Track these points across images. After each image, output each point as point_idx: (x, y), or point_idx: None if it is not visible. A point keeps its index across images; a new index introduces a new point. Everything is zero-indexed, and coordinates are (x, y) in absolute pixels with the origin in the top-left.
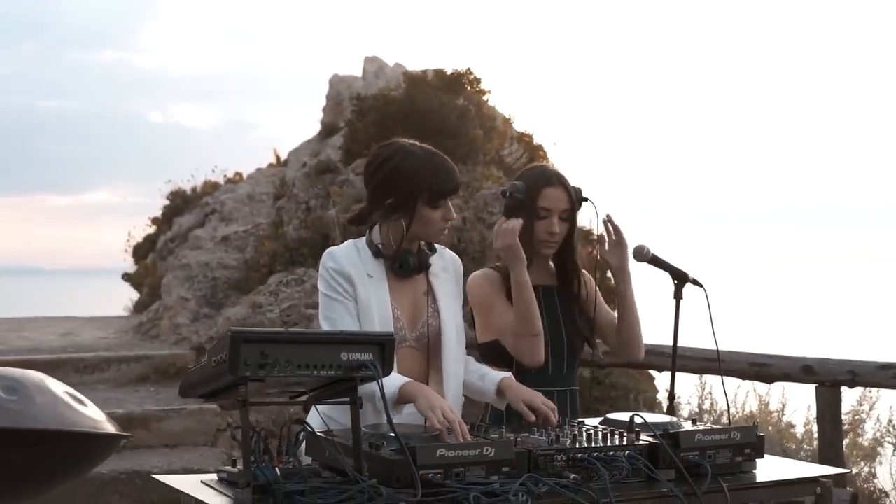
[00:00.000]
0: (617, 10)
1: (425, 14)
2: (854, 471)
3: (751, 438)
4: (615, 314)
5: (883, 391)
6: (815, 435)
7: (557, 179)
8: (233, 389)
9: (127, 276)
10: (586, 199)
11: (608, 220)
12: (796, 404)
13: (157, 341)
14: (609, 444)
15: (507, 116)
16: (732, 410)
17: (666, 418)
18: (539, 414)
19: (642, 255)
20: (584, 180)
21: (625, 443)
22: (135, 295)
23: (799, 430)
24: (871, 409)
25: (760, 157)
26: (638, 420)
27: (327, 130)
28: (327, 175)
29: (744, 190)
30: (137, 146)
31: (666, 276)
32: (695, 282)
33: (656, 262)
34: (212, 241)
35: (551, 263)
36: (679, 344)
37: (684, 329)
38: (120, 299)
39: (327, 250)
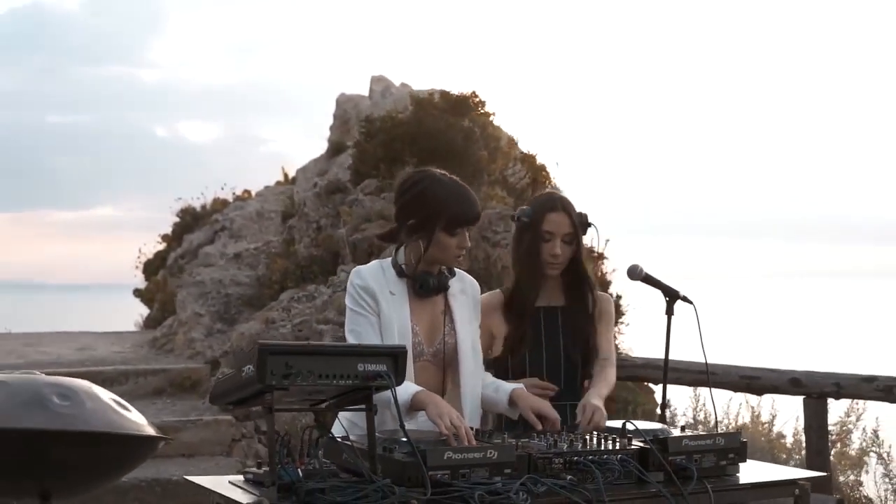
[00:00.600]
0: (619, 34)
1: (432, 34)
2: (841, 479)
3: (734, 444)
4: (609, 347)
5: (869, 403)
6: (804, 444)
7: (561, 205)
8: (259, 397)
9: (138, 292)
10: (590, 225)
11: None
12: (786, 415)
13: (172, 355)
14: (603, 448)
15: (511, 137)
16: (726, 421)
17: (657, 425)
18: (547, 421)
19: (635, 273)
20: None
21: (618, 447)
22: (144, 310)
23: (789, 441)
24: (857, 419)
25: (751, 173)
26: (630, 427)
27: (335, 149)
28: (337, 195)
29: (736, 205)
30: (143, 161)
31: (658, 293)
32: (685, 299)
33: (649, 280)
34: (222, 258)
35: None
36: (673, 358)
37: (679, 344)
38: (130, 314)
39: (355, 269)
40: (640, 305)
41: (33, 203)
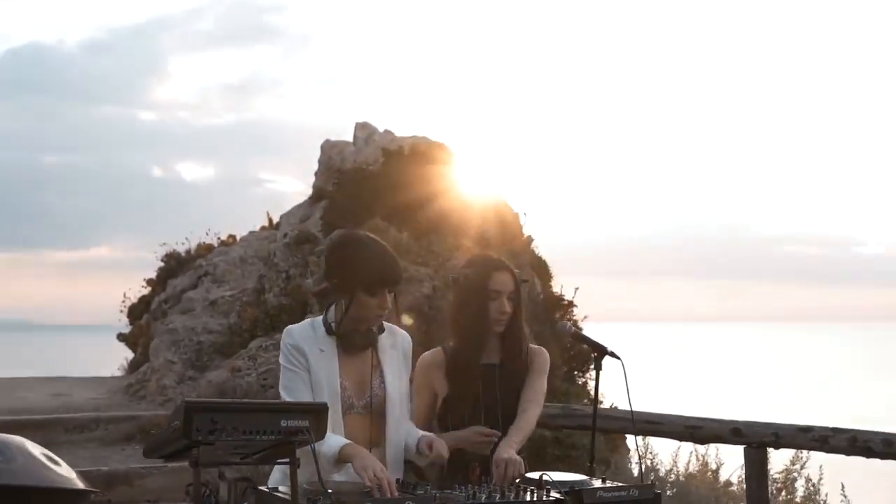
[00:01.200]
0: (595, 85)
1: (415, 82)
2: None
3: (648, 495)
4: (534, 405)
5: (814, 451)
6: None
7: (504, 265)
8: (187, 451)
9: (122, 336)
10: (525, 281)
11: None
12: (733, 464)
13: (145, 402)
14: (520, 499)
15: (480, 189)
16: (674, 470)
17: (578, 477)
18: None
19: (564, 331)
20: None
21: (535, 499)
22: (130, 354)
23: (736, 489)
24: (801, 468)
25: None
26: (547, 478)
27: (317, 196)
28: (307, 245)
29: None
30: (139, 201)
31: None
32: (613, 354)
33: (577, 337)
34: (202, 304)
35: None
36: (621, 407)
37: (633, 392)
38: (117, 358)
39: (287, 328)
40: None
41: (30, 243)
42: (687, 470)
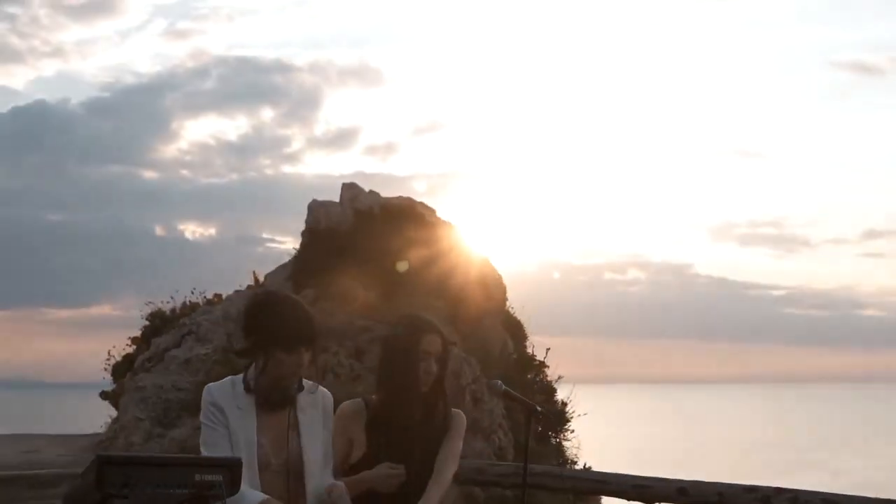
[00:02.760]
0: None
1: (413, 141)
2: None
3: None
4: (450, 464)
5: None
6: None
7: (434, 327)
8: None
9: (105, 394)
10: (454, 344)
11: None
12: None
13: None
14: None
15: (465, 250)
16: None
17: None
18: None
19: (495, 389)
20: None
21: None
22: (115, 412)
23: None
24: None
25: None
26: None
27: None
28: None
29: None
30: (141, 259)
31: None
32: (541, 413)
33: (508, 395)
34: (179, 362)
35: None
36: (570, 468)
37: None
38: (102, 416)
39: (206, 386)
40: (589, 412)
41: (32, 300)
42: None
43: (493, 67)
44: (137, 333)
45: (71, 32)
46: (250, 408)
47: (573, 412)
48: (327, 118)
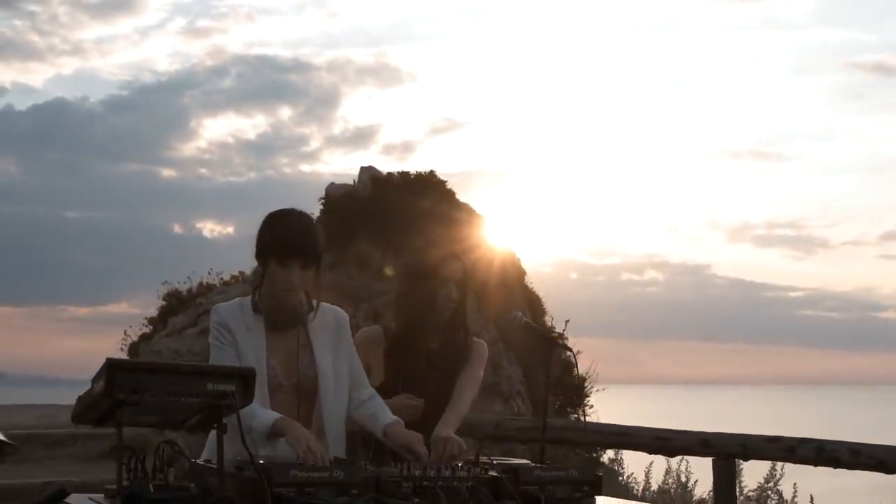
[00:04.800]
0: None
1: (430, 136)
2: None
3: (588, 476)
4: (469, 390)
5: (788, 469)
6: None
7: (455, 255)
8: (113, 414)
9: None
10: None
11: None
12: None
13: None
14: (456, 476)
15: (477, 218)
16: (645, 484)
17: (522, 461)
18: (412, 454)
19: (515, 321)
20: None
21: (470, 476)
22: None
23: None
24: (775, 485)
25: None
26: (484, 457)
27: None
28: None
29: None
30: (159, 257)
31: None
32: (564, 346)
33: (528, 328)
34: (198, 332)
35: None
36: (590, 421)
37: (599, 408)
38: None
39: (214, 306)
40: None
41: (50, 297)
42: (665, 484)
43: (511, 68)
44: (154, 314)
45: (90, 30)
46: (259, 328)
47: (592, 387)
48: (345, 117)
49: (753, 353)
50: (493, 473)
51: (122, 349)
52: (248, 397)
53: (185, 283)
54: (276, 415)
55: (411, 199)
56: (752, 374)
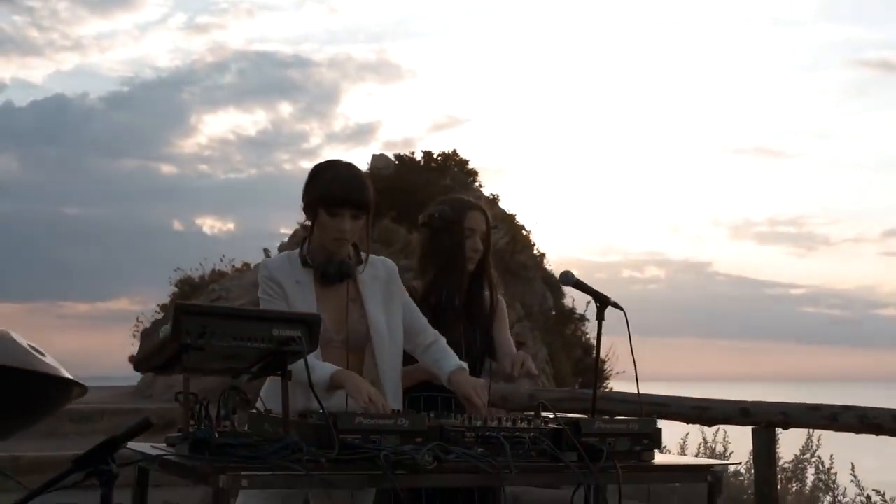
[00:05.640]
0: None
1: (433, 132)
2: None
3: (649, 429)
4: (510, 343)
5: (825, 439)
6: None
7: (478, 205)
8: (178, 360)
9: (132, 359)
10: (496, 227)
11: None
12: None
13: (150, 401)
14: (517, 426)
15: (492, 196)
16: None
17: (581, 417)
18: (472, 405)
19: (567, 280)
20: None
21: (531, 427)
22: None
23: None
24: (812, 456)
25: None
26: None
27: None
28: None
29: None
30: (159, 254)
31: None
32: (615, 305)
33: (580, 286)
34: None
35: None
36: (625, 391)
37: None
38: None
39: (262, 261)
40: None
41: (49, 294)
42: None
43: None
44: (166, 300)
45: (90, 26)
46: (308, 282)
47: (611, 370)
48: (346, 113)
49: (755, 350)
50: (555, 426)
51: (134, 335)
52: (313, 344)
53: (197, 269)
54: (334, 367)
55: (434, 176)
56: (754, 371)
